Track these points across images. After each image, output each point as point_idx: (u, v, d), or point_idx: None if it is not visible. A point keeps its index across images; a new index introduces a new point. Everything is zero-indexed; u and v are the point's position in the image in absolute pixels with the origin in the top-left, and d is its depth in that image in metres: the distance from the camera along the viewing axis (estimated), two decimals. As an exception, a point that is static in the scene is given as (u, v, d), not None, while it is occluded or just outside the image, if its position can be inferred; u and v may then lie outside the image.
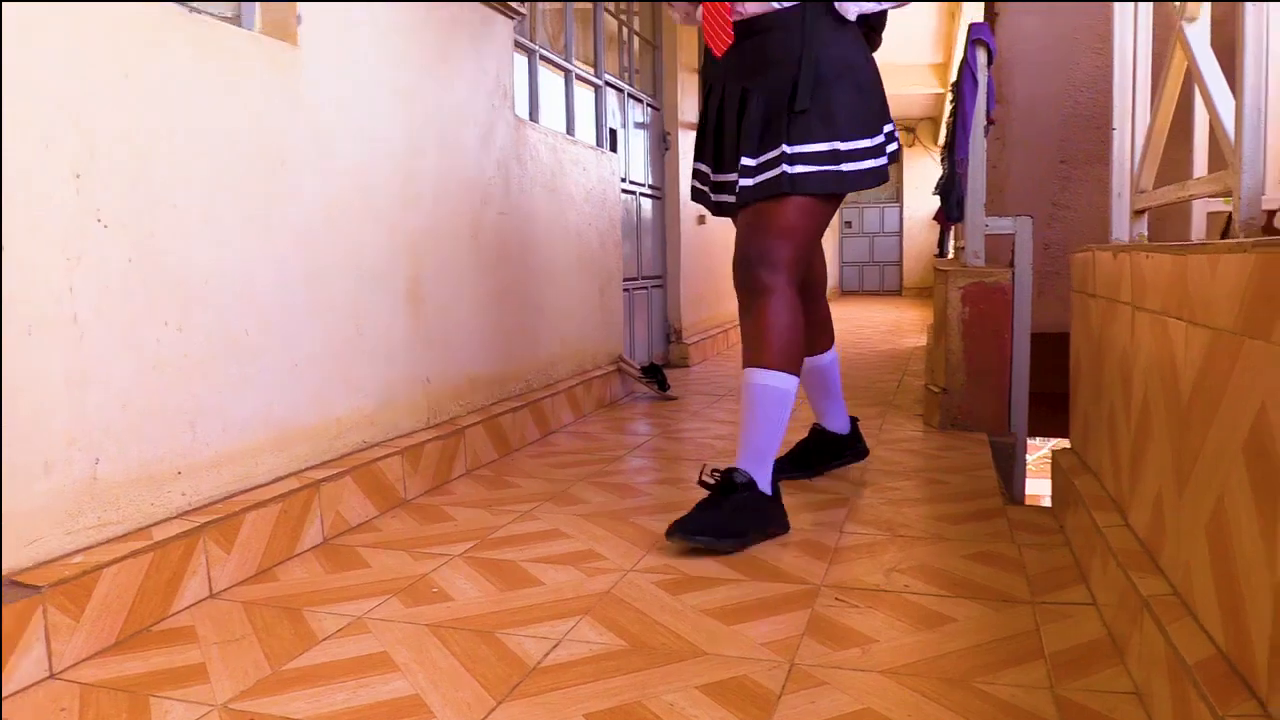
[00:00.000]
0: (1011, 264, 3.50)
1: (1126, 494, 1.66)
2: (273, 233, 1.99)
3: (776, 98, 2.09)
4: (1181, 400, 1.28)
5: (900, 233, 15.92)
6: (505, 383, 3.11)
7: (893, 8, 2.20)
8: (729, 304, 6.83)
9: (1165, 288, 1.41)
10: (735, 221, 2.23)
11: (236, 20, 2.04)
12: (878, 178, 2.12)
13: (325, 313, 2.17)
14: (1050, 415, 3.89)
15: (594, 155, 3.98)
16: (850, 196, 13.43)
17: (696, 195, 2.36)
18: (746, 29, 2.13)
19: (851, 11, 2.10)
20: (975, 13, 6.91)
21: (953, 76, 10.39)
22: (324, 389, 2.16)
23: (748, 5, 2.11)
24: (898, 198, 15.95)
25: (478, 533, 2.14)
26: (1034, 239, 3.95)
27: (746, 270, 2.10)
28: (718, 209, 2.29)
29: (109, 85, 1.58)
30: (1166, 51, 1.78)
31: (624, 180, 4.58)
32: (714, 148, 2.23)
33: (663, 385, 4.14)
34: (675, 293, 5.40)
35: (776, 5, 2.09)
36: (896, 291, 15.77)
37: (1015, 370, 3.44)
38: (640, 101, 5.03)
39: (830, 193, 2.10)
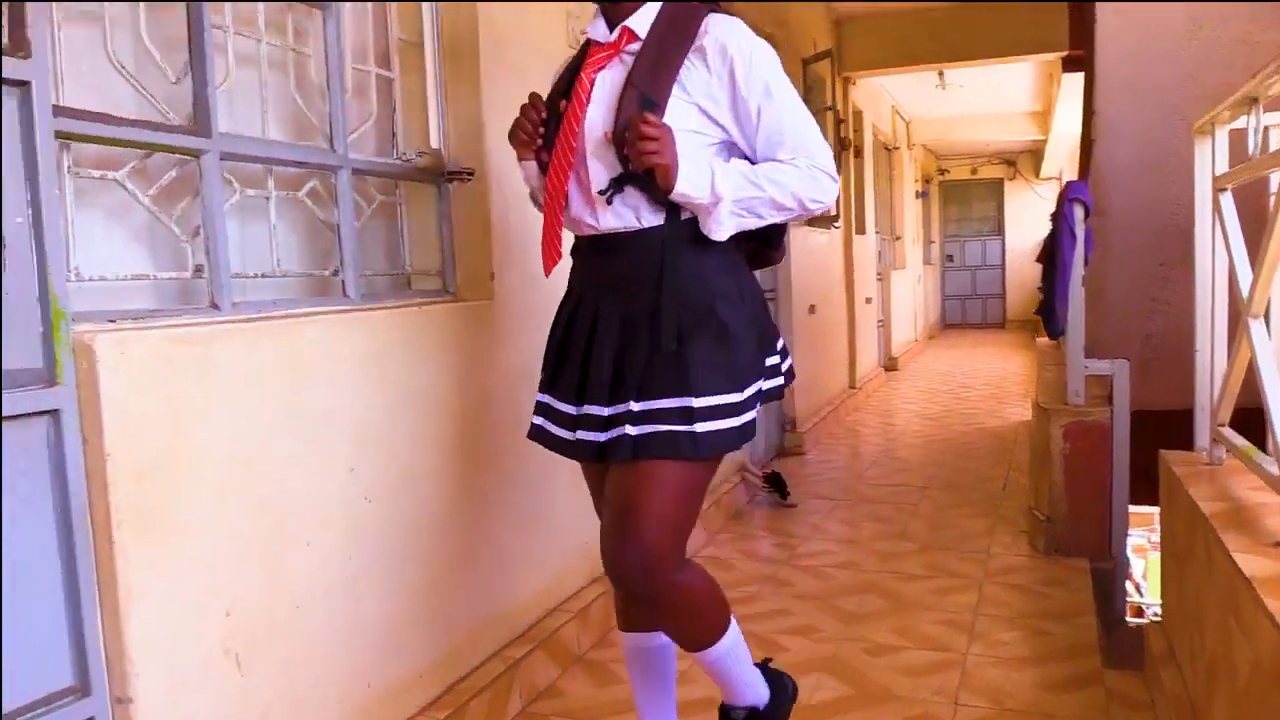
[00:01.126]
0: (1110, 401, 3.79)
1: (1202, 703, 2.00)
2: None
3: (631, 333, 1.74)
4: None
5: (1002, 265, 15.93)
6: (649, 521, 3.53)
7: (775, 221, 1.77)
8: (836, 380, 7.17)
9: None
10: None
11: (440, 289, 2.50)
12: (742, 436, 1.72)
13: (513, 507, 2.62)
14: (1150, 489, 4.15)
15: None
16: (950, 229, 13.35)
17: (539, 436, 1.88)
18: (597, 243, 1.80)
19: (720, 234, 1.70)
20: (1073, 82, 7.09)
21: (1051, 127, 10.53)
22: (518, 574, 2.61)
23: (599, 215, 1.75)
24: (999, 230, 15.99)
25: (647, 699, 2.55)
26: (1136, 331, 4.23)
27: (624, 573, 1.72)
28: (576, 450, 1.81)
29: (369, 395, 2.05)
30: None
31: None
32: (579, 376, 1.80)
33: (783, 494, 4.53)
34: (791, 385, 5.76)
35: (634, 222, 1.73)
36: (999, 324, 15.77)
37: (1115, 501, 3.73)
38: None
39: (685, 457, 1.68)
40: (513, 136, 1.82)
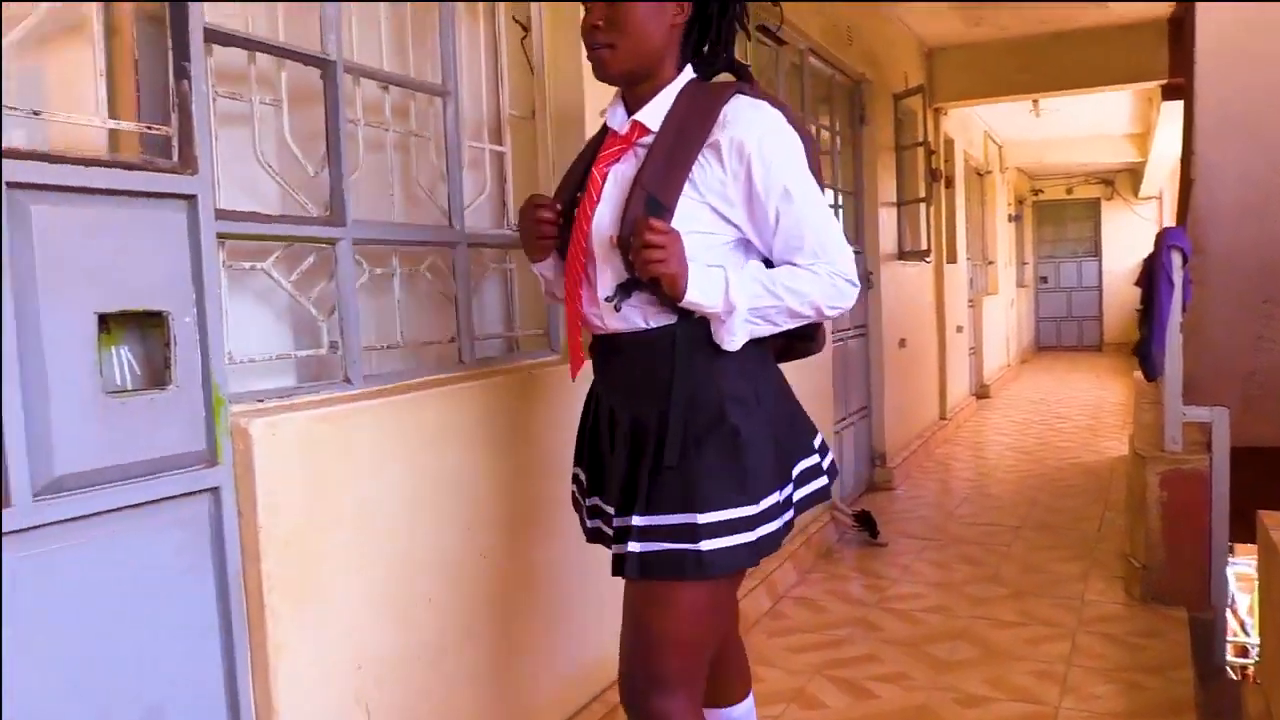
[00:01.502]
0: (1209, 448, 3.76)
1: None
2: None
3: (640, 438, 1.65)
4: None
5: (1099, 287, 15.62)
6: (742, 563, 3.62)
7: (790, 327, 1.67)
8: (926, 411, 7.16)
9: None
10: None
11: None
12: (757, 552, 1.60)
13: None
14: (1247, 529, 4.09)
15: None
16: (1045, 250, 13.14)
17: (595, 536, 1.86)
18: (607, 343, 1.73)
19: (732, 345, 1.61)
20: (1173, 109, 6.98)
21: (1150, 149, 10.33)
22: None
23: (605, 317, 1.68)
24: (1096, 251, 15.68)
25: (741, 744, 2.64)
26: (1239, 368, 4.18)
27: (634, 694, 1.66)
28: (594, 538, 1.87)
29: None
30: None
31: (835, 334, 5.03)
32: (597, 474, 1.82)
33: (874, 533, 4.57)
34: (879, 421, 5.80)
35: (641, 324, 1.64)
36: (1096, 347, 15.44)
37: (1214, 550, 3.69)
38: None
39: (691, 578, 1.58)
40: (524, 241, 1.76)
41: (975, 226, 9.86)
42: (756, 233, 1.63)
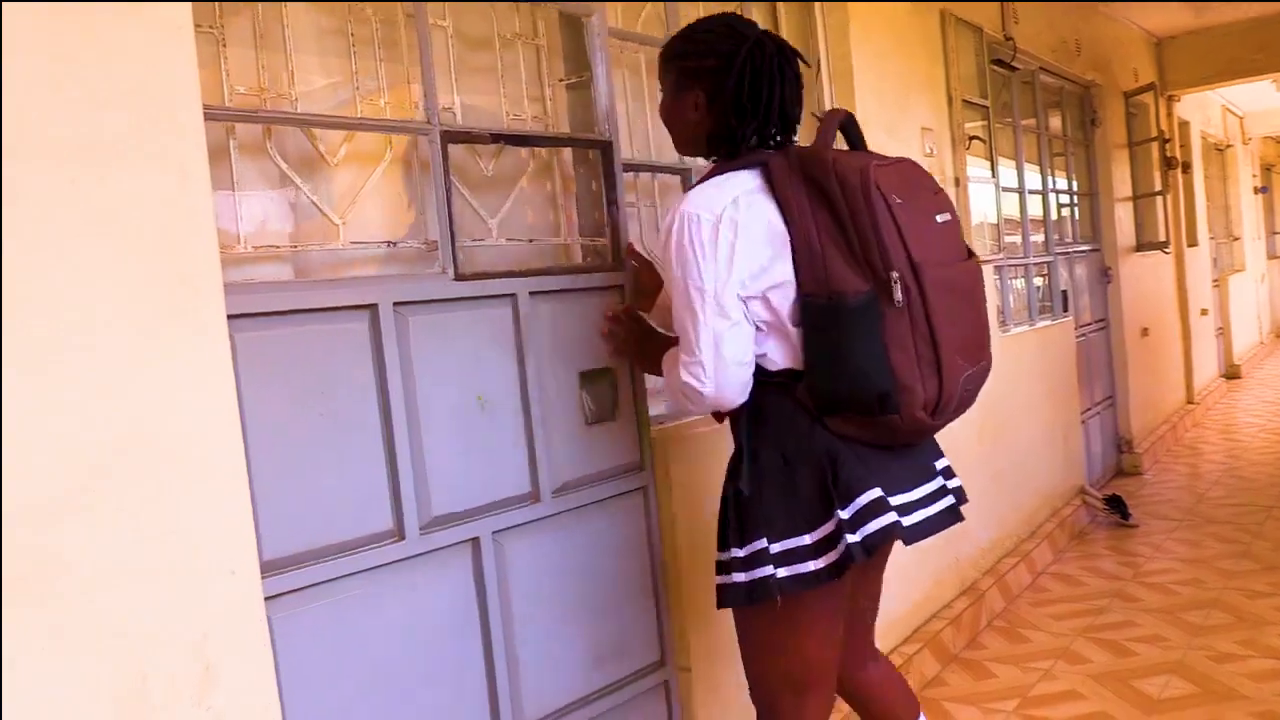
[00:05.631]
0: None
1: None
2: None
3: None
4: None
5: (1364, 252, 14.66)
6: (1004, 540, 4.10)
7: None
8: (1172, 396, 7.27)
9: None
10: None
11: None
12: (748, 596, 1.67)
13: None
14: None
15: (1059, 329, 4.87)
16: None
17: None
18: None
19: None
20: None
21: None
22: (902, 587, 3.29)
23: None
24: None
25: (1018, 690, 3.15)
26: None
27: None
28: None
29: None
30: None
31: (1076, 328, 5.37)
32: None
33: (1125, 515, 4.90)
34: (1125, 407, 6.06)
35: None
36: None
37: None
38: (1079, 245, 5.78)
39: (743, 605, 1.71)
40: None
41: (1217, 204, 9.70)
42: None
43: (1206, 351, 8.43)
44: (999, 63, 4.49)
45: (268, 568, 1.50)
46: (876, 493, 1.64)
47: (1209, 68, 7.38)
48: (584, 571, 2.09)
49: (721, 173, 1.70)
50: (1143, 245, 6.50)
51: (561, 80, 2.32)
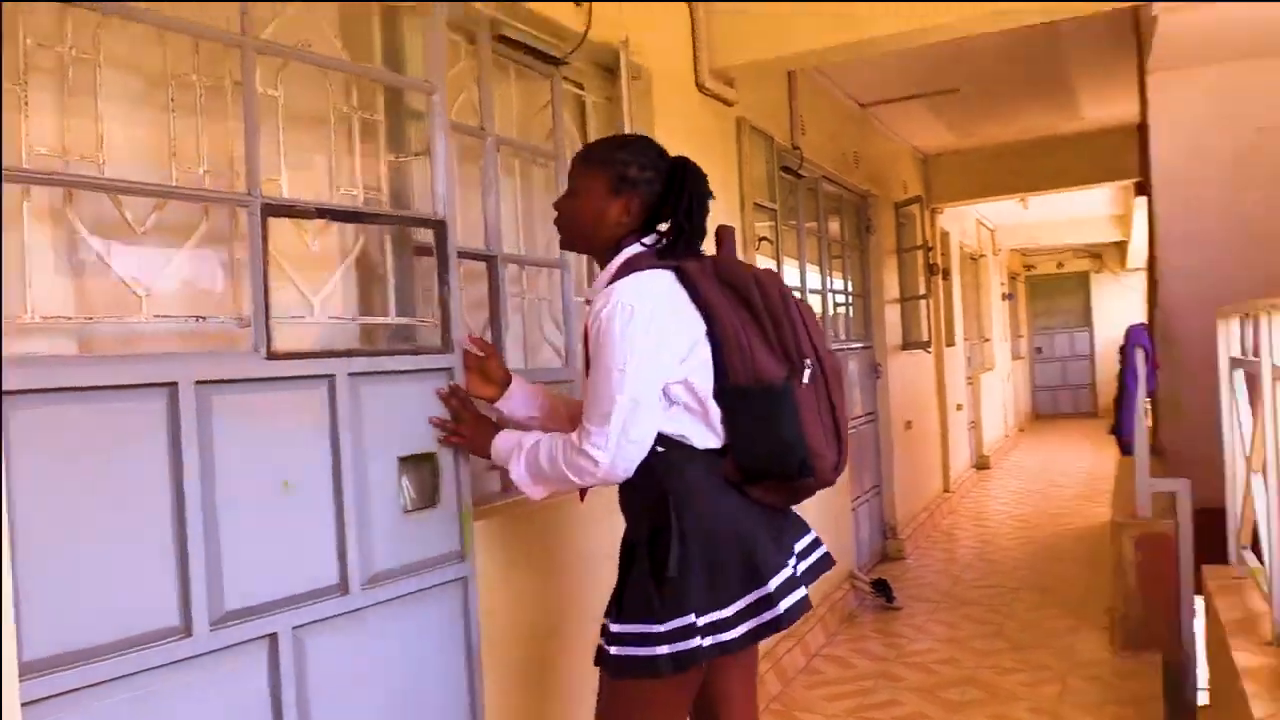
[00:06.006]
0: (1174, 513, 4.43)
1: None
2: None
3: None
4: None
5: (1091, 355, 16.33)
6: (781, 623, 4.27)
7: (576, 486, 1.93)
8: (931, 484, 7.82)
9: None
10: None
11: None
12: (653, 667, 1.78)
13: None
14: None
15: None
16: (1039, 323, 13.91)
17: None
18: None
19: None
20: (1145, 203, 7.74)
21: (1132, 228, 11.11)
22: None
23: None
24: (1087, 321, 16.43)
25: (794, 770, 3.27)
26: (1212, 439, 4.86)
27: None
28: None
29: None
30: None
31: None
32: None
33: (890, 598, 5.21)
34: (890, 496, 6.47)
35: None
36: (1091, 413, 16.08)
37: (1182, 601, 4.33)
38: (853, 342, 6.20)
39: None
40: None
41: (971, 308, 10.61)
42: None
43: (961, 443, 9.14)
44: (787, 170, 4.81)
45: (27, 670, 1.36)
46: (789, 571, 1.88)
47: (968, 185, 8.16)
48: (394, 669, 1.99)
49: (639, 269, 1.87)
50: (908, 344, 7.03)
51: (398, 158, 2.31)
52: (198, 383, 1.60)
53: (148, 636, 1.53)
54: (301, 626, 1.77)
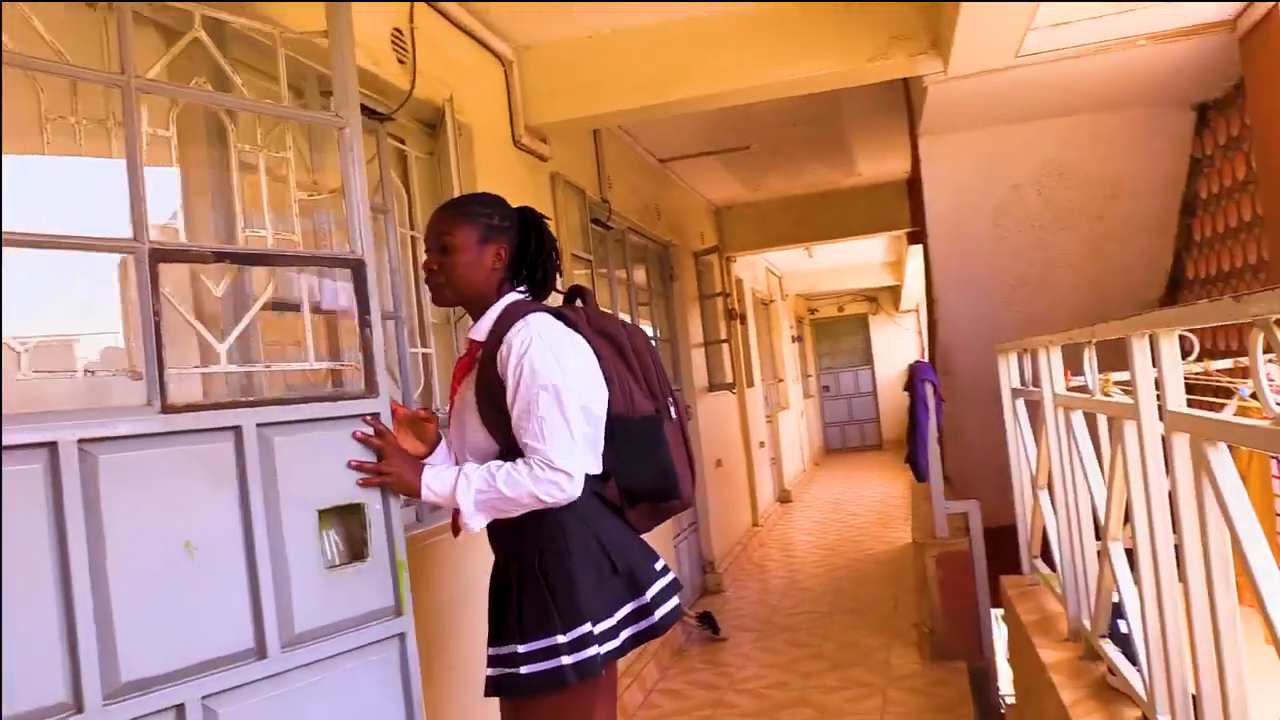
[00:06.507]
0: (968, 532, 4.82)
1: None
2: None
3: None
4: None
5: (874, 392, 17.36)
6: (619, 663, 4.34)
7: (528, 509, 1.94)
8: (742, 520, 8.12)
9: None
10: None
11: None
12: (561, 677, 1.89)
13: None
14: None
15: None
16: (825, 362, 14.68)
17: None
18: None
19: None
20: (917, 251, 8.47)
21: (905, 274, 12.00)
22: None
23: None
24: (869, 360, 17.49)
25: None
26: (991, 465, 5.30)
27: None
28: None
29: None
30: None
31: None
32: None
33: (715, 629, 5.39)
34: (707, 532, 6.70)
35: None
36: (877, 446, 17.06)
37: (980, 612, 4.72)
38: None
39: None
40: None
41: (765, 351, 11.13)
42: (515, 423, 1.94)
43: (765, 479, 9.54)
44: (597, 221, 4.98)
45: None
46: (662, 582, 2.04)
47: (758, 234, 8.64)
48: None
49: (528, 313, 1.99)
50: (714, 386, 7.33)
51: (308, 195, 2.22)
52: (81, 441, 1.52)
53: (35, 715, 1.44)
54: (212, 695, 1.66)
